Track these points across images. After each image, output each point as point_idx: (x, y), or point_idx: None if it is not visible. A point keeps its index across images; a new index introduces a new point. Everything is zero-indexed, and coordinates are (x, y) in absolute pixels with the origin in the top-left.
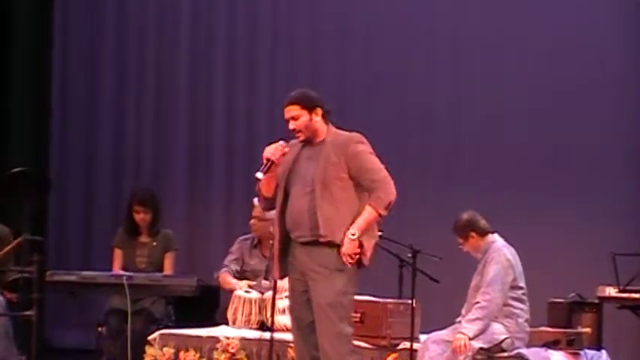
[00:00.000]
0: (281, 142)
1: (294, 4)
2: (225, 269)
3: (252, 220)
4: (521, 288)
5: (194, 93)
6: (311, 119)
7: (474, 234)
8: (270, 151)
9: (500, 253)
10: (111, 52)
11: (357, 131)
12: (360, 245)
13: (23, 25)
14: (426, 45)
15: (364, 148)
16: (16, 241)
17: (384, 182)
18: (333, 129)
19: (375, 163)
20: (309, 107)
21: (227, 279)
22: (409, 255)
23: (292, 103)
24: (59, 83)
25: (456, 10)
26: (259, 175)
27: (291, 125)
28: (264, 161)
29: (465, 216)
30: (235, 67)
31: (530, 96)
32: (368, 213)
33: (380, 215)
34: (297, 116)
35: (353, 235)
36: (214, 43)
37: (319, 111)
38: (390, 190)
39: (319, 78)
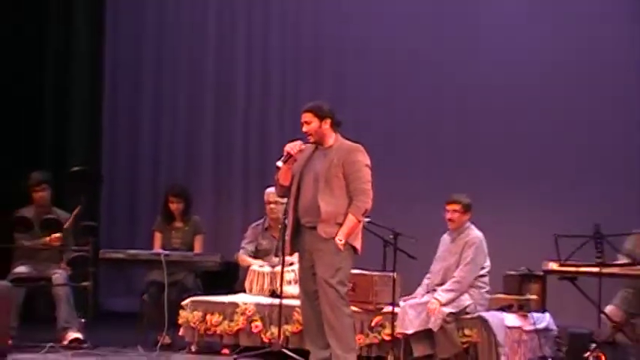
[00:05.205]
0: (299, 142)
1: (318, 15)
2: (242, 251)
3: (272, 205)
4: (485, 267)
5: (218, 103)
6: (320, 126)
7: (471, 212)
8: (291, 146)
9: (480, 239)
10: (150, 65)
11: (356, 141)
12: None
13: (81, 45)
14: (437, 38)
15: (362, 159)
16: (73, 214)
17: (363, 192)
18: (340, 138)
19: (364, 175)
20: (320, 116)
21: (245, 258)
22: (391, 237)
23: (307, 111)
24: (109, 92)
25: (472, 9)
26: (279, 163)
27: (304, 128)
28: (285, 153)
29: (469, 199)
30: (253, 81)
31: (493, 87)
32: (349, 220)
33: (359, 221)
34: (309, 121)
35: (340, 240)
36: (235, 59)
37: (328, 121)
38: (365, 200)
39: (323, 78)
